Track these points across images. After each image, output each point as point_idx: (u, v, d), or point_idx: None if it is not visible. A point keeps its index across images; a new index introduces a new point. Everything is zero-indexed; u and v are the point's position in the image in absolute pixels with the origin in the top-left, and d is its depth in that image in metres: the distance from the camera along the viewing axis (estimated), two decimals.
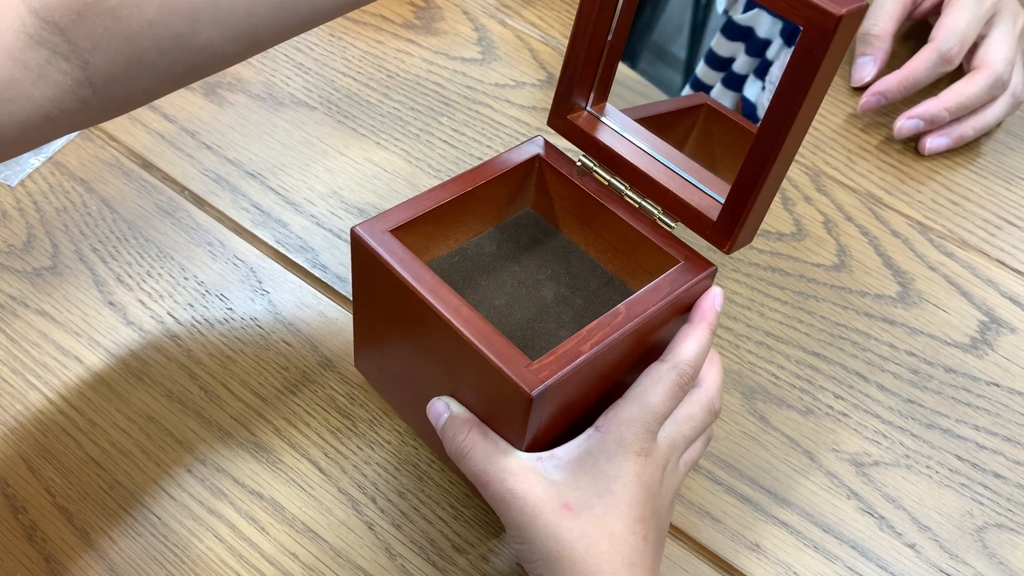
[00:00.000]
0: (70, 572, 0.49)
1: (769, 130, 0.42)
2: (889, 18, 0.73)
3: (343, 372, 0.58)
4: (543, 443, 0.45)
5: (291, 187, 0.67)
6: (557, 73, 0.76)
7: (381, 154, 0.70)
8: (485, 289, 0.51)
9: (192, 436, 0.55)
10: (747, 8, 0.62)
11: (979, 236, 0.68)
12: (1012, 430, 0.58)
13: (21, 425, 0.55)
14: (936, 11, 0.74)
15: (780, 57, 0.57)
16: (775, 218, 0.68)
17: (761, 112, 0.48)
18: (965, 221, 0.69)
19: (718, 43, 0.60)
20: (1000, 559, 0.52)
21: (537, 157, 0.52)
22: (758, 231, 0.66)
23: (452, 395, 0.46)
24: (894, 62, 0.74)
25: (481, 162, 0.52)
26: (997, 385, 0.60)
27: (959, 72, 0.73)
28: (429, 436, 0.52)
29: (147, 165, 0.68)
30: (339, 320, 0.60)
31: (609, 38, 0.50)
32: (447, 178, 0.51)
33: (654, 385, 0.44)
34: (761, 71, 0.60)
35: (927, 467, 0.56)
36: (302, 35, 0.77)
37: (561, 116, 0.52)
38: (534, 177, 0.53)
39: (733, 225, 0.46)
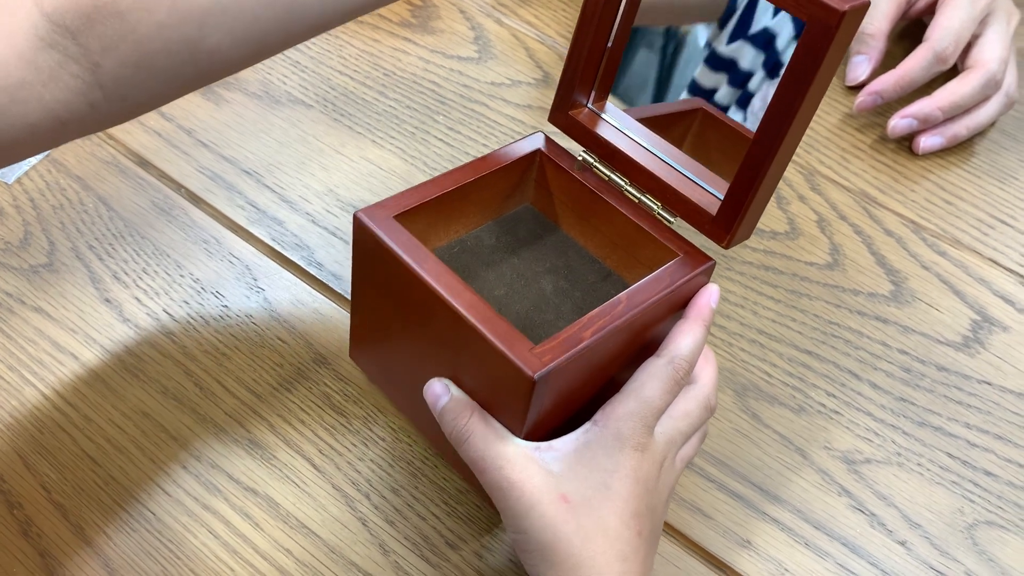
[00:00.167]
0: (65, 568, 0.50)
1: (770, 126, 0.43)
2: (884, 17, 0.73)
3: (338, 369, 0.58)
4: (542, 431, 0.45)
5: (287, 185, 0.67)
6: (553, 72, 0.76)
7: (377, 152, 0.70)
8: (484, 280, 0.52)
9: (187, 432, 0.55)
10: (731, 40, 0.63)
11: (972, 235, 0.68)
12: (1003, 428, 0.58)
13: (17, 421, 0.55)
14: (930, 10, 0.74)
15: (761, 89, 0.58)
16: (769, 217, 0.68)
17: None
18: (958, 220, 0.69)
19: (701, 73, 0.61)
20: (990, 556, 0.53)
21: (538, 152, 0.53)
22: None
23: (450, 379, 0.46)
24: (889, 61, 0.75)
25: (482, 155, 0.52)
26: (989, 383, 0.60)
27: (953, 71, 0.73)
28: (425, 425, 0.52)
29: (144, 163, 0.68)
30: (334, 317, 0.61)
31: (612, 35, 0.50)
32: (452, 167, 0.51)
33: (650, 380, 0.45)
34: (743, 102, 0.61)
35: (918, 465, 0.56)
36: None
37: (562, 112, 0.53)
38: (534, 172, 0.54)
39: (732, 220, 0.46)
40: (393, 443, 0.55)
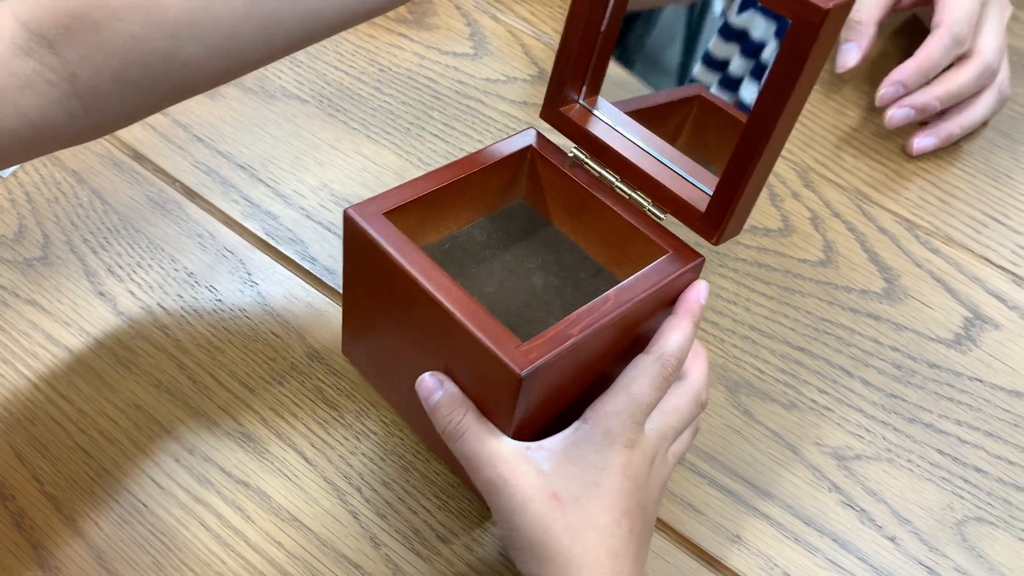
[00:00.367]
0: (57, 559, 0.50)
1: (757, 123, 0.43)
2: (874, 5, 0.73)
3: (331, 363, 0.58)
4: (531, 428, 0.46)
5: (281, 179, 0.68)
6: (548, 68, 0.76)
7: (371, 147, 0.70)
8: (475, 276, 0.52)
9: (180, 425, 0.55)
10: (741, 9, 0.63)
11: (965, 233, 0.68)
12: (994, 425, 0.58)
13: (10, 413, 0.55)
14: (922, 1, 0.74)
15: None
16: (762, 214, 0.68)
17: None
18: (951, 218, 0.69)
19: (715, 45, 0.61)
20: (979, 552, 0.53)
21: (530, 148, 0.53)
22: (746, 227, 0.67)
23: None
24: (886, 63, 0.75)
25: (475, 151, 0.52)
26: (980, 381, 0.60)
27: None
28: (417, 421, 0.52)
29: (138, 157, 0.68)
30: (327, 312, 0.61)
31: (602, 31, 0.50)
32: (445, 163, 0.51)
33: (639, 376, 0.45)
34: (757, 72, 0.61)
35: (908, 461, 0.56)
36: None
37: (553, 109, 0.53)
38: (526, 168, 0.54)
39: (721, 217, 0.46)
40: (385, 437, 0.55)
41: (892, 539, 0.53)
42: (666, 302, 0.48)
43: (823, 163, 0.72)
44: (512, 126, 0.72)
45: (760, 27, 0.59)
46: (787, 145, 0.72)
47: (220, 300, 0.61)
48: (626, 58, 0.55)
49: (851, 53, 0.72)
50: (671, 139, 0.51)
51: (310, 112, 0.72)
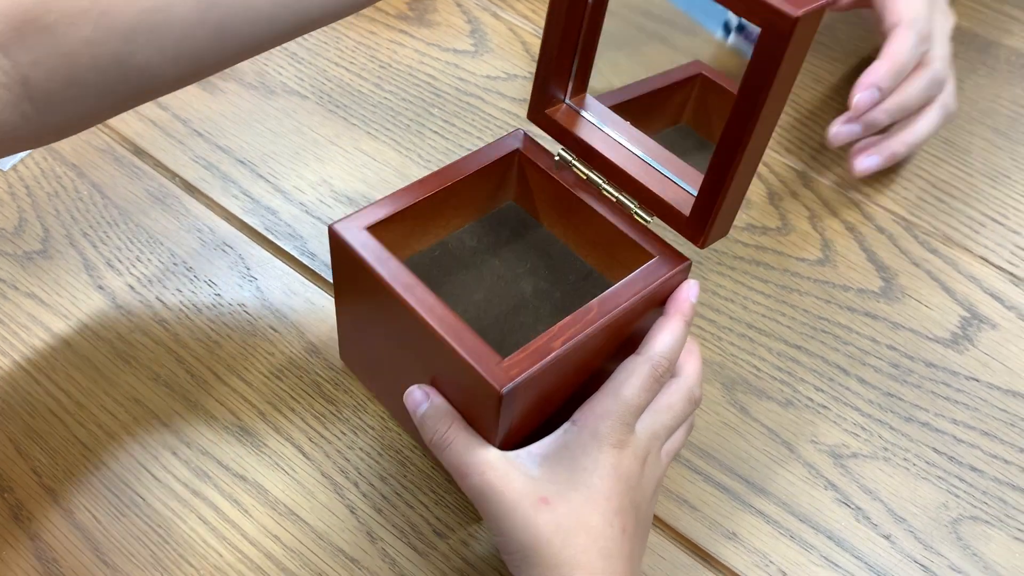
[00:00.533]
0: (55, 551, 0.50)
1: (733, 129, 0.43)
2: None
3: (328, 358, 0.58)
4: (518, 437, 0.46)
5: (281, 175, 0.68)
6: None
7: (371, 144, 0.70)
8: (464, 283, 0.52)
9: (178, 419, 0.55)
10: None
11: (963, 233, 0.68)
12: (990, 424, 0.58)
13: (9, 406, 0.55)
14: (863, 4, 0.70)
15: None
16: (761, 212, 0.68)
17: None
18: (950, 218, 0.69)
19: None
20: (974, 551, 0.53)
21: (516, 152, 0.53)
22: (744, 225, 0.67)
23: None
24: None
25: (462, 156, 0.52)
26: (976, 380, 0.60)
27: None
28: (411, 426, 0.52)
29: (139, 152, 0.69)
30: (326, 307, 0.61)
31: (583, 27, 0.50)
32: (436, 168, 0.52)
33: (629, 378, 0.45)
34: None
35: (904, 460, 0.56)
36: None
37: (539, 110, 0.52)
38: (515, 171, 0.54)
39: (704, 221, 0.46)
40: (382, 432, 0.56)
41: (887, 537, 0.53)
42: (653, 306, 0.48)
43: (822, 162, 0.72)
44: (512, 123, 0.72)
45: None
46: (786, 144, 0.72)
47: (219, 295, 0.61)
48: None
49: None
50: (673, 120, 0.51)
51: (310, 108, 0.72)
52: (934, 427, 0.58)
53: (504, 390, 0.42)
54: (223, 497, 0.52)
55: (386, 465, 0.54)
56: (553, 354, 0.43)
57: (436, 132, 0.72)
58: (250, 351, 0.59)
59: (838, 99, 0.76)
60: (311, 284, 0.62)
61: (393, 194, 0.50)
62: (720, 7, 0.42)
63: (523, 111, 0.73)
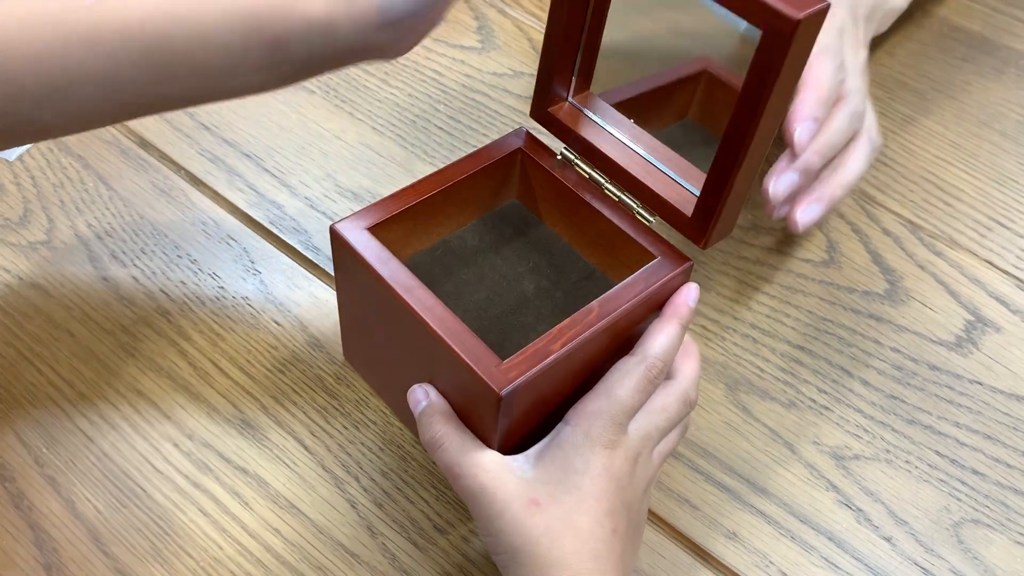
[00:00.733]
0: (55, 540, 0.50)
1: (735, 130, 0.43)
2: None
3: (331, 353, 0.58)
4: (517, 438, 0.46)
5: (286, 169, 0.68)
6: None
7: (377, 139, 0.70)
8: (466, 283, 0.52)
9: (180, 411, 0.55)
10: None
11: (969, 236, 0.68)
12: (993, 428, 0.58)
13: (12, 395, 0.55)
14: None
15: None
16: (765, 213, 0.68)
17: None
18: (956, 221, 0.69)
19: None
20: (975, 554, 0.53)
21: (519, 150, 0.53)
22: (749, 225, 0.67)
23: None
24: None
25: (466, 154, 0.52)
26: (980, 384, 0.60)
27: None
28: (413, 422, 0.52)
29: (144, 144, 0.69)
30: (329, 302, 0.61)
31: (586, 23, 0.49)
32: (441, 165, 0.52)
33: (623, 378, 0.45)
34: None
35: (906, 462, 0.56)
36: None
37: (542, 108, 0.52)
38: (517, 169, 0.54)
39: (707, 222, 0.46)
40: (384, 427, 0.56)
41: (888, 539, 0.53)
42: (655, 308, 0.48)
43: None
44: (518, 120, 0.72)
45: None
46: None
47: (223, 288, 0.61)
48: None
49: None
50: (679, 116, 0.50)
51: (316, 102, 0.72)
52: (937, 430, 0.58)
53: (503, 392, 0.42)
54: (224, 489, 0.52)
55: (387, 460, 0.54)
56: (552, 356, 0.43)
57: (441, 128, 0.72)
58: (253, 344, 0.59)
59: None
60: (315, 278, 0.62)
61: (395, 193, 0.50)
62: None
63: (529, 109, 0.73)
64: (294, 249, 0.63)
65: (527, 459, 0.44)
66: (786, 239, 0.67)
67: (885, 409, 0.59)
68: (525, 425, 0.46)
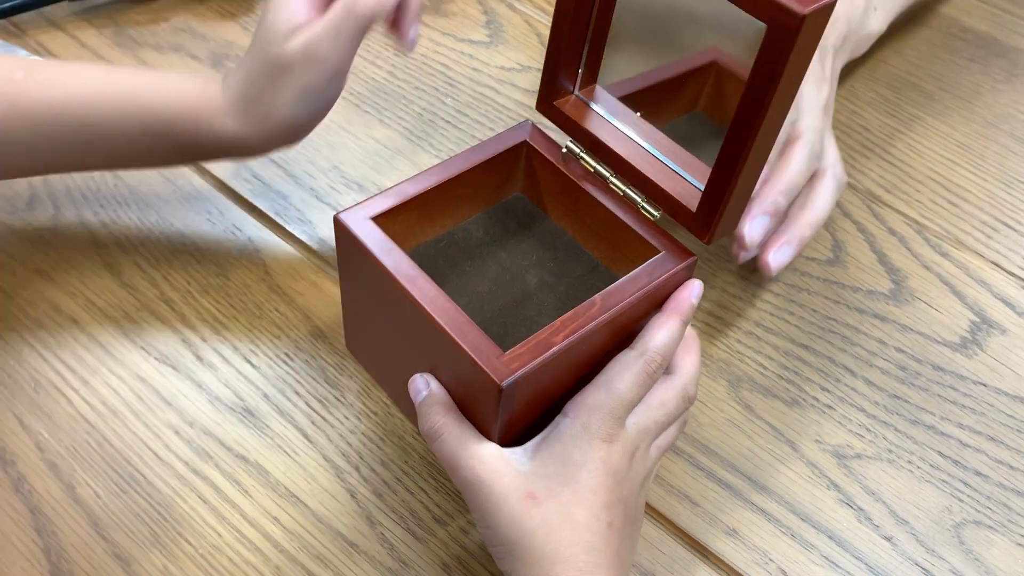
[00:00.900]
0: (54, 524, 0.50)
1: (739, 127, 0.43)
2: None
3: (334, 343, 0.58)
4: (517, 430, 0.46)
5: (292, 160, 0.68)
6: None
7: (383, 131, 0.70)
8: (469, 275, 0.52)
9: (181, 399, 0.55)
10: None
11: (975, 237, 0.68)
12: (996, 430, 0.58)
13: (14, 380, 0.55)
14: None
15: None
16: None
17: None
18: (962, 222, 0.69)
19: None
20: (976, 555, 0.53)
21: (524, 143, 0.52)
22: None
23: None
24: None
25: (469, 147, 0.52)
26: (984, 385, 0.60)
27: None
28: (414, 414, 0.52)
29: None
30: (333, 292, 0.61)
31: (593, 16, 0.49)
32: (447, 158, 0.51)
33: (622, 372, 0.45)
34: None
35: (909, 462, 0.56)
36: None
37: (548, 101, 0.52)
38: (522, 162, 0.54)
39: (711, 217, 0.46)
40: (385, 417, 0.56)
41: (889, 539, 0.53)
42: (657, 303, 0.48)
43: None
44: (525, 115, 0.72)
45: None
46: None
47: (226, 277, 0.61)
48: None
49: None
50: (688, 108, 0.50)
51: None
52: (940, 430, 0.58)
53: (504, 384, 0.42)
54: (224, 477, 0.52)
55: (388, 451, 0.54)
56: (554, 349, 0.43)
57: (448, 122, 0.71)
58: (256, 333, 0.59)
59: (851, 97, 0.76)
60: (319, 269, 0.62)
61: (399, 184, 0.50)
62: None
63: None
64: (298, 239, 0.63)
65: (525, 452, 0.44)
66: None
67: (888, 409, 0.58)
68: (526, 417, 0.46)
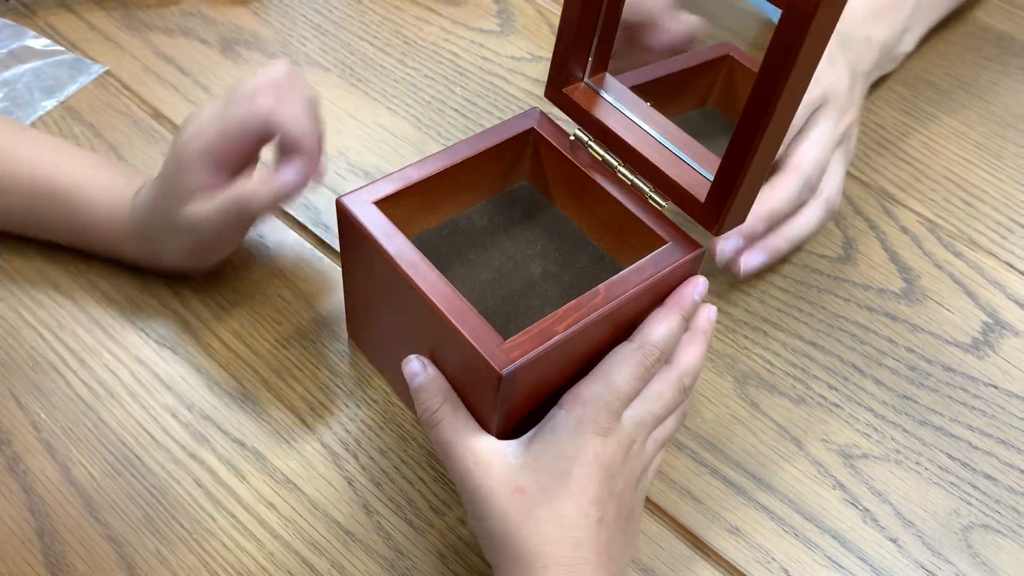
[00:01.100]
0: (48, 505, 0.50)
1: (752, 114, 0.42)
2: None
3: (335, 330, 0.58)
4: (517, 420, 0.45)
5: None
6: None
7: (391, 119, 0.70)
8: (473, 263, 0.51)
9: (180, 382, 0.55)
10: None
11: (990, 238, 0.67)
12: (1007, 433, 0.57)
13: (13, 359, 0.55)
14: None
15: None
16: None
17: None
18: (976, 222, 0.68)
19: None
20: (983, 560, 0.52)
21: (531, 130, 0.52)
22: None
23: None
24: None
25: (475, 134, 0.51)
26: (995, 387, 0.59)
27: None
28: (413, 403, 0.52)
29: (158, 115, 0.68)
30: (336, 279, 0.60)
31: (604, 4, 0.49)
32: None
33: (618, 365, 0.44)
34: None
35: (916, 463, 0.55)
36: None
37: (557, 88, 0.51)
38: (529, 150, 0.53)
39: (720, 207, 0.45)
40: (385, 406, 0.55)
41: (895, 541, 0.52)
42: (662, 295, 0.47)
43: (850, 160, 0.70)
44: (534, 105, 0.71)
45: None
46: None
47: (229, 260, 0.60)
48: None
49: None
50: (700, 101, 0.49)
51: (332, 81, 0.72)
52: (949, 432, 0.57)
53: (504, 372, 0.41)
54: (220, 462, 0.52)
55: (387, 439, 0.54)
56: (556, 338, 0.42)
57: (456, 110, 0.71)
58: (258, 319, 0.58)
59: (868, 96, 0.75)
60: (323, 256, 0.61)
61: (403, 169, 0.49)
62: None
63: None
64: (303, 226, 0.63)
65: (519, 444, 0.44)
66: None
67: (897, 409, 0.57)
68: (525, 407, 0.45)
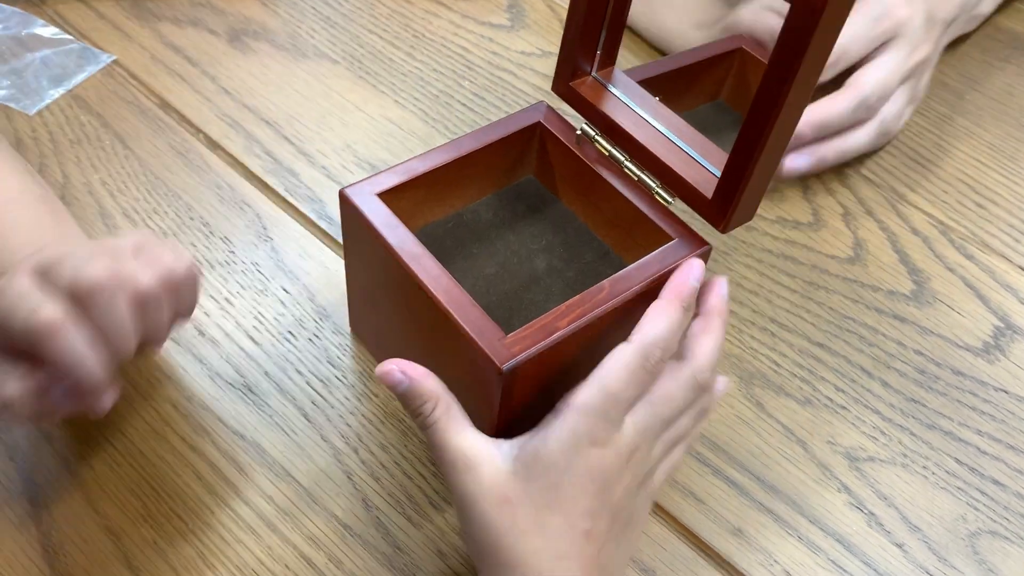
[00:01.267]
0: (47, 494, 0.49)
1: (760, 110, 0.41)
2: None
3: (338, 323, 0.57)
4: (517, 417, 0.44)
5: (305, 138, 0.67)
6: None
7: (398, 112, 0.69)
8: (477, 257, 0.51)
9: (181, 373, 0.54)
10: None
11: (1003, 240, 0.66)
12: (1016, 438, 0.56)
13: None
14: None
15: None
16: (793, 206, 0.66)
17: None
18: (989, 224, 0.67)
19: None
20: (990, 566, 0.51)
21: (538, 124, 0.51)
22: (774, 218, 0.65)
23: (432, 360, 0.44)
24: None
25: (480, 127, 0.51)
26: (1006, 392, 0.58)
27: (828, 88, 0.63)
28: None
29: (164, 105, 0.68)
30: (340, 272, 0.60)
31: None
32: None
33: (615, 369, 0.41)
34: None
35: (923, 468, 0.54)
36: None
37: (564, 82, 0.51)
38: (535, 144, 0.52)
39: (727, 204, 0.44)
40: (386, 400, 0.54)
41: (900, 546, 0.51)
42: None
43: (860, 159, 0.69)
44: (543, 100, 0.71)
45: None
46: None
47: (233, 252, 0.60)
48: None
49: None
50: (711, 95, 0.49)
51: (340, 73, 0.71)
52: (957, 436, 0.56)
53: (505, 367, 0.40)
54: (220, 454, 0.52)
55: (387, 434, 0.53)
56: (558, 333, 0.42)
57: (464, 105, 0.70)
58: (260, 310, 0.58)
59: None
60: (327, 248, 0.61)
61: (408, 161, 0.48)
62: None
63: None
64: (308, 218, 0.62)
65: (512, 448, 0.41)
66: (812, 234, 0.65)
67: (904, 412, 0.57)
68: (527, 404, 0.44)
